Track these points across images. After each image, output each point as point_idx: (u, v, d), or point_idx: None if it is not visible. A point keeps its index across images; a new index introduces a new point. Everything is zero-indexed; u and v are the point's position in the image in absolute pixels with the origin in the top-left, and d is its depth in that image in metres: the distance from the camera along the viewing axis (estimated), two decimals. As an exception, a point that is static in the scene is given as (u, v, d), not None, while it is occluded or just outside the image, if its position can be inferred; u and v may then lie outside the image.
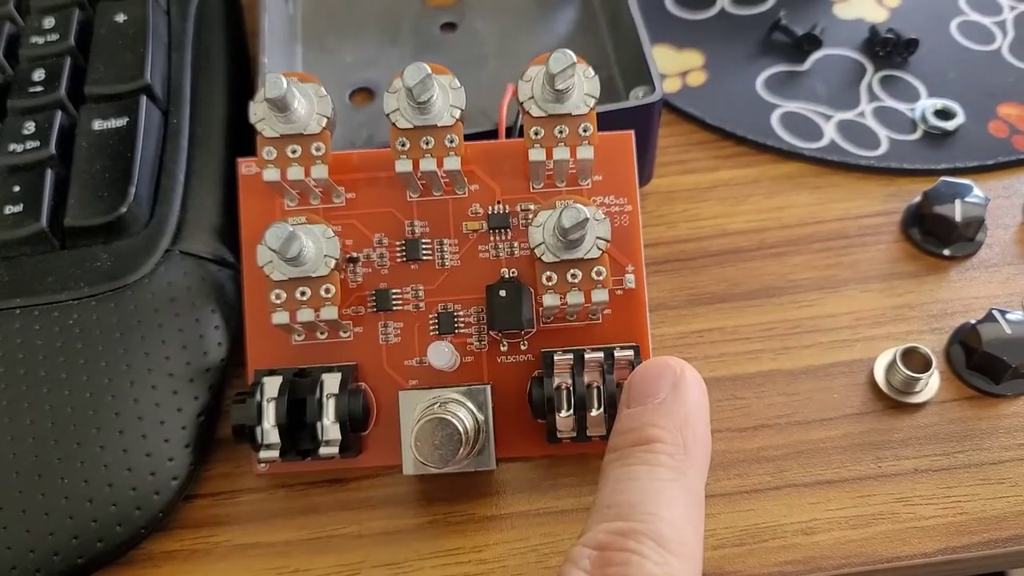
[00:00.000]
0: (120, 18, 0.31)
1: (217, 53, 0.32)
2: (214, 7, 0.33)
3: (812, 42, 0.35)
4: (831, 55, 0.35)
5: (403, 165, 0.24)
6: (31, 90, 0.29)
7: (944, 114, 0.33)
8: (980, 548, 0.24)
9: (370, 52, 0.34)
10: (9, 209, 0.27)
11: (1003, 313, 0.27)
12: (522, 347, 0.26)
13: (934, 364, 0.26)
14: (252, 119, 0.24)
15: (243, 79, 0.32)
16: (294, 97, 0.23)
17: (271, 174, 0.24)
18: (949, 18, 0.36)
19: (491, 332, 0.25)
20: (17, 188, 0.27)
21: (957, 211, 0.29)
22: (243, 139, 0.30)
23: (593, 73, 0.24)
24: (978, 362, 0.27)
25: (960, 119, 0.33)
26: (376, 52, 0.34)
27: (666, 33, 0.36)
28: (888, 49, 0.34)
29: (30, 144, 0.28)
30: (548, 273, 0.23)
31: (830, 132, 0.33)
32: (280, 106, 0.23)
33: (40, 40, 0.30)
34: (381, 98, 0.33)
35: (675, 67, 0.35)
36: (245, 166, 0.26)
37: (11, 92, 0.29)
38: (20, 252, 0.26)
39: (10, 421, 0.24)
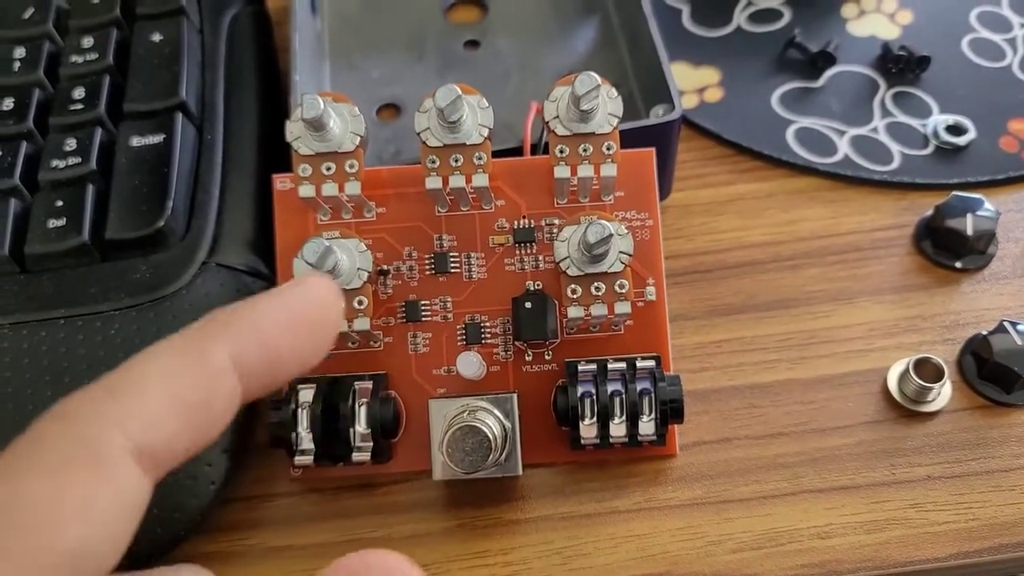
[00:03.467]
0: (156, 37, 0.32)
1: (248, 69, 0.33)
2: (245, 25, 0.34)
3: (826, 59, 0.36)
4: (845, 72, 0.36)
5: (433, 182, 0.25)
6: (72, 108, 0.30)
7: (956, 130, 0.34)
8: (991, 553, 0.25)
9: (396, 68, 0.35)
10: (52, 223, 0.28)
11: (1014, 324, 0.28)
12: (547, 357, 0.27)
13: (946, 374, 0.27)
14: (288, 137, 0.25)
15: (274, 94, 0.33)
16: (329, 117, 0.24)
17: (306, 190, 0.25)
18: (960, 35, 0.37)
19: (517, 343, 0.26)
20: (60, 203, 0.28)
21: (969, 225, 0.30)
22: (274, 153, 0.31)
23: (616, 94, 0.25)
24: (989, 372, 0.28)
25: (971, 135, 0.33)
26: (401, 68, 0.35)
27: (683, 50, 0.37)
28: (901, 66, 0.35)
29: (72, 160, 0.29)
30: (573, 286, 0.24)
31: (844, 147, 0.33)
32: (316, 126, 0.24)
33: (80, 59, 0.31)
34: (407, 113, 0.34)
35: (692, 84, 0.36)
36: (280, 182, 0.27)
37: (52, 110, 0.30)
38: (63, 264, 0.27)
39: (56, 427, 0.25)
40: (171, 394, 0.16)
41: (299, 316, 0.19)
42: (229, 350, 0.17)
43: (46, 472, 0.15)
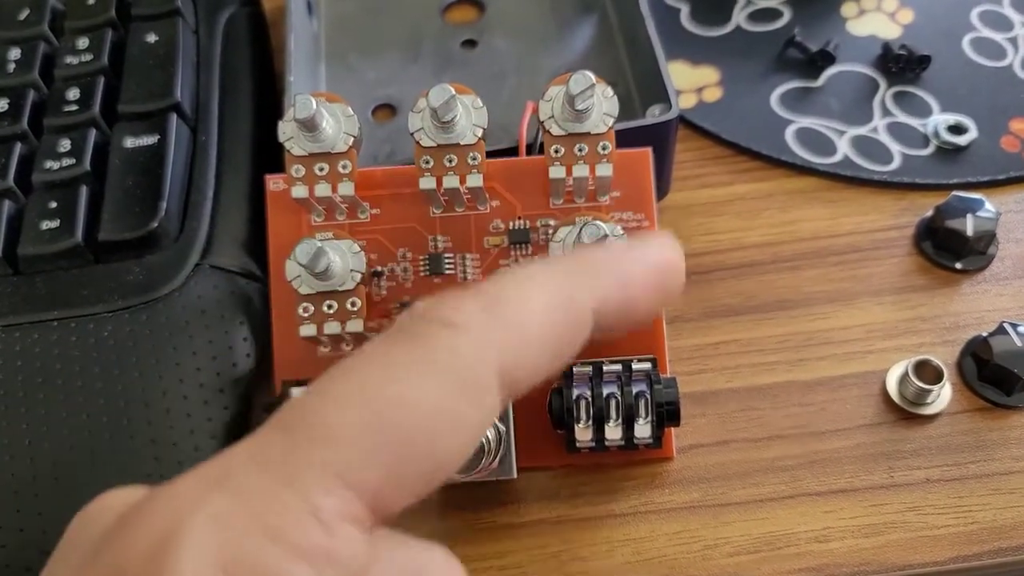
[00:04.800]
0: (151, 38, 0.32)
1: (243, 71, 0.33)
2: (240, 26, 0.34)
3: (826, 58, 0.35)
4: (845, 71, 0.36)
5: (427, 182, 0.25)
6: (66, 109, 0.30)
7: (956, 129, 0.33)
8: (991, 556, 0.25)
9: (392, 69, 0.35)
10: (46, 224, 0.27)
11: (1014, 326, 0.28)
12: (542, 359, 0.26)
13: (946, 376, 0.27)
14: (281, 138, 0.25)
15: (269, 96, 0.33)
16: (322, 117, 0.24)
17: (299, 191, 0.25)
18: (961, 34, 0.36)
19: (512, 344, 0.26)
20: (53, 204, 0.28)
21: (969, 225, 0.30)
22: (269, 155, 0.31)
23: (612, 93, 0.24)
24: (989, 374, 0.27)
25: (972, 134, 0.33)
26: (398, 69, 0.35)
27: (682, 50, 0.37)
28: (901, 65, 0.35)
29: (66, 161, 0.29)
30: (568, 287, 0.24)
31: (844, 147, 0.33)
32: (309, 126, 0.24)
33: (74, 60, 0.31)
34: (403, 114, 0.34)
35: (691, 83, 0.36)
36: (273, 183, 0.27)
37: (47, 111, 0.30)
38: (56, 266, 0.27)
39: (48, 430, 0.25)
40: (545, 331, 0.18)
41: (656, 271, 0.20)
42: (595, 302, 0.18)
43: (435, 385, 0.16)
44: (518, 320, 0.17)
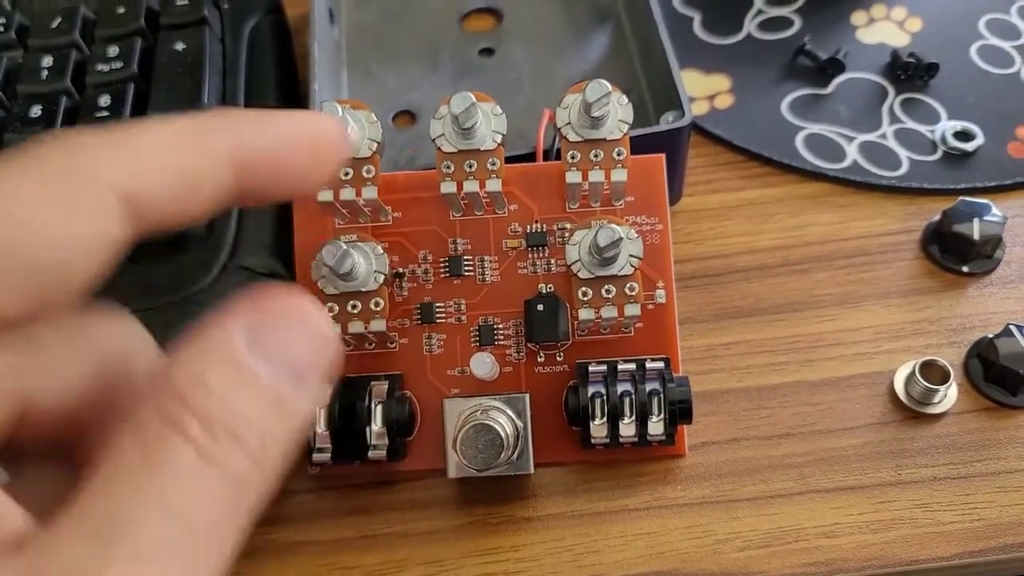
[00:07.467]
0: (179, 46, 0.33)
1: (268, 77, 0.34)
2: (265, 34, 0.35)
3: (836, 66, 0.36)
4: (854, 79, 0.36)
5: (448, 187, 0.25)
6: (98, 115, 0.31)
7: (964, 135, 0.34)
8: (996, 552, 0.25)
9: (411, 77, 0.36)
10: (79, 226, 0.28)
11: (1020, 328, 0.28)
12: (558, 358, 0.27)
13: (952, 376, 0.28)
14: (307, 144, 0.25)
15: (293, 101, 0.34)
16: (347, 123, 0.25)
17: (325, 195, 0.26)
18: (969, 42, 0.37)
19: (529, 344, 0.27)
20: (86, 207, 0.29)
21: (976, 230, 0.30)
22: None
23: (627, 100, 0.25)
24: (995, 375, 0.28)
25: (979, 140, 0.34)
26: (417, 77, 0.36)
27: (694, 58, 0.37)
28: (909, 73, 0.36)
29: (98, 166, 0.29)
30: (584, 289, 0.25)
31: (853, 153, 0.34)
32: (335, 132, 0.25)
33: (105, 67, 0.32)
34: (422, 120, 0.34)
35: (703, 90, 0.36)
36: (298, 187, 0.28)
37: (79, 117, 0.31)
38: (89, 267, 0.28)
39: (82, 424, 0.26)
40: (169, 157, 0.17)
41: (306, 134, 0.19)
42: (234, 148, 0.18)
43: (32, 189, 0.16)
44: (135, 143, 0.17)
